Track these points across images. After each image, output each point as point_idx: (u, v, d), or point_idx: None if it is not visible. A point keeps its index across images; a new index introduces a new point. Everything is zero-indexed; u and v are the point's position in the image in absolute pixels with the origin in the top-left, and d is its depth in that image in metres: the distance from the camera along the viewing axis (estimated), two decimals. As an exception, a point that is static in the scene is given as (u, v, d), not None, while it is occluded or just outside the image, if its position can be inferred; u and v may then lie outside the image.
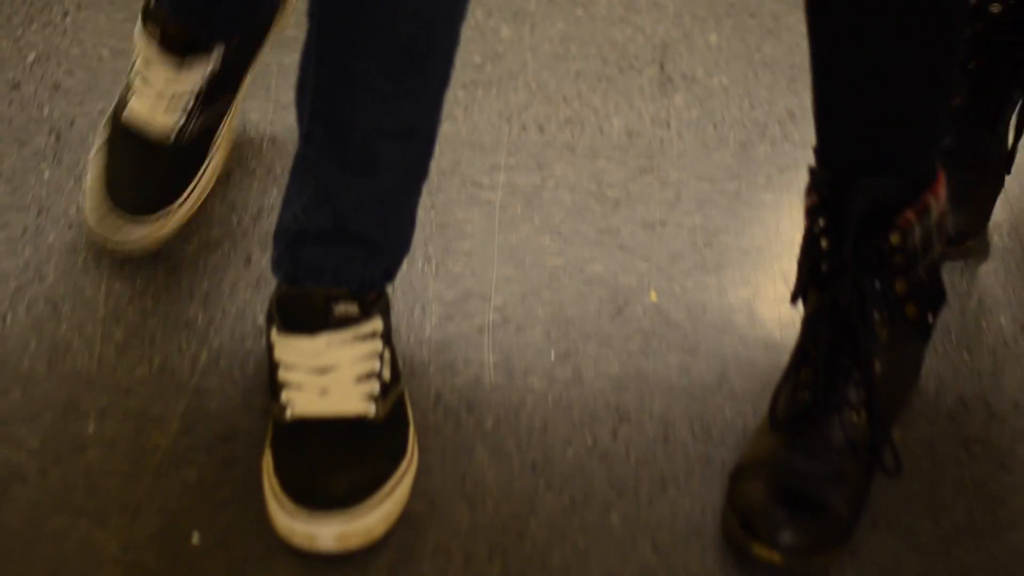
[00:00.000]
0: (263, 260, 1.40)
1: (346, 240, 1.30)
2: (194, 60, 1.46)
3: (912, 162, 1.28)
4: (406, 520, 1.26)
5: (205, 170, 1.50)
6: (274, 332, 1.29)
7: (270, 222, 1.35)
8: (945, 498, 1.30)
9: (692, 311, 1.46)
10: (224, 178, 1.56)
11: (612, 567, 1.24)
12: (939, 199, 1.30)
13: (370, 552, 1.23)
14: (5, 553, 1.21)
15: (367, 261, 1.31)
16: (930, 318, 1.34)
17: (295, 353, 1.28)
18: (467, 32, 1.26)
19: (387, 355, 1.30)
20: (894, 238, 1.27)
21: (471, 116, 1.67)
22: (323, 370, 1.27)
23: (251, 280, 1.46)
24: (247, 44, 1.52)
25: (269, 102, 1.65)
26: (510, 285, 1.48)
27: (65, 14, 1.78)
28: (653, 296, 1.47)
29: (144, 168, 1.46)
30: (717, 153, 1.64)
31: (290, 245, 1.32)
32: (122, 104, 1.48)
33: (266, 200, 1.53)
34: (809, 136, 1.30)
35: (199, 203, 1.50)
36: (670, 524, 1.27)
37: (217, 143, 1.51)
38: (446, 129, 1.62)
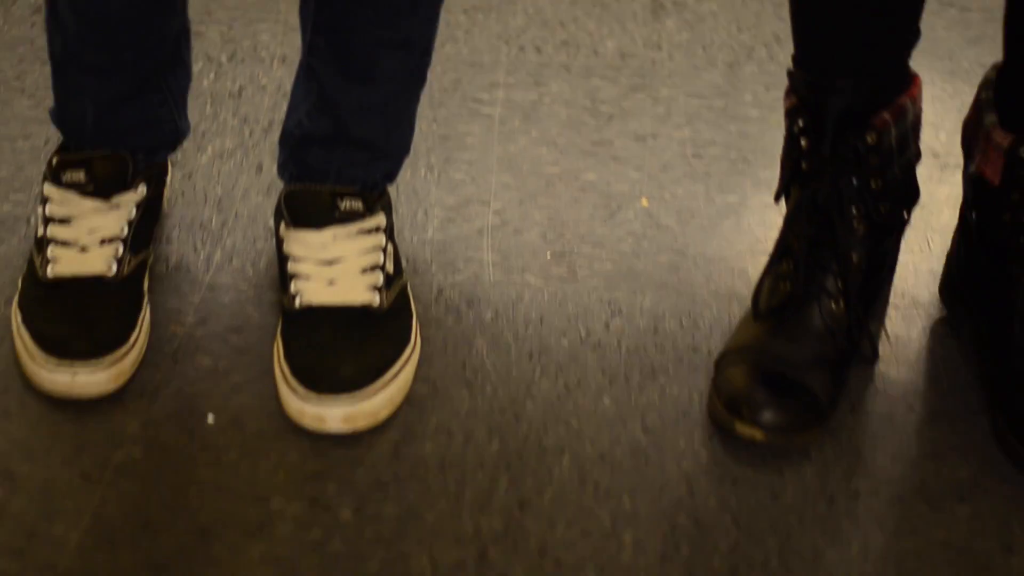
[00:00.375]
0: (273, 168, 1.46)
1: (348, 144, 1.36)
2: (119, 199, 1.35)
3: (886, 64, 1.33)
4: (409, 403, 1.31)
5: (145, 313, 1.36)
6: (283, 227, 1.35)
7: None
8: (919, 385, 1.36)
9: (681, 216, 1.52)
10: (236, 94, 1.62)
11: (604, 446, 1.29)
12: (915, 102, 1.35)
13: (375, 432, 1.28)
14: (32, 431, 1.27)
15: (369, 163, 1.37)
16: (905, 215, 1.40)
17: (303, 246, 1.33)
18: (468, -40, 1.32)
19: (390, 249, 1.36)
20: (870, 138, 1.31)
21: (471, 38, 1.72)
22: (330, 262, 1.32)
23: (262, 187, 1.52)
24: (157, 185, 1.42)
25: (279, 24, 1.71)
26: (508, 191, 1.53)
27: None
28: (644, 202, 1.53)
29: (84, 309, 1.32)
30: (706, 73, 1.69)
31: (295, 149, 1.38)
32: (31, 276, 1.35)
33: (276, 114, 1.58)
34: (794, 56, 1.35)
35: (145, 345, 1.35)
36: (659, 407, 1.33)
37: (146, 287, 1.38)
38: (448, 50, 1.68)
